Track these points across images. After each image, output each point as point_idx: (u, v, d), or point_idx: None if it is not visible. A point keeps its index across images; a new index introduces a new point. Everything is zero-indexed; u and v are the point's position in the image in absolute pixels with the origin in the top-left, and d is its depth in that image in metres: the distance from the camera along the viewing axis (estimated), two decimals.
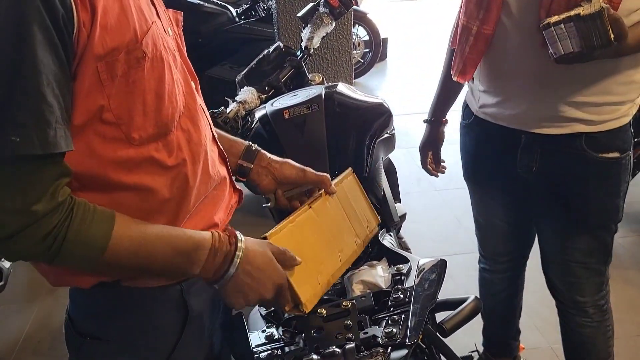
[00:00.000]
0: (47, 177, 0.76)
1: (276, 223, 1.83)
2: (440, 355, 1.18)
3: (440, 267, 1.11)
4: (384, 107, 1.69)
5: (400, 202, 2.00)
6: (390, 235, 1.58)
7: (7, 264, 2.54)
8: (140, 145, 0.85)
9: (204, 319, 1.06)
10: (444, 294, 1.13)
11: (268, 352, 1.01)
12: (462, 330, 2.24)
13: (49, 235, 0.77)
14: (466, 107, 1.71)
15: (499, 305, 2.04)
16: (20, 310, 2.65)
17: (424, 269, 1.12)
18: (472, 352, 2.03)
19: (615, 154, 1.48)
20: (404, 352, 0.91)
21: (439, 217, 3.31)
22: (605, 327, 1.73)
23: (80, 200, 0.81)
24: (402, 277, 1.15)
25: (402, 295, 1.07)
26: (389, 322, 0.99)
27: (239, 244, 0.92)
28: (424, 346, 1.19)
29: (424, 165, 1.94)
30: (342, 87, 1.71)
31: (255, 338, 1.07)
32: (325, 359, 0.92)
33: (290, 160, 1.18)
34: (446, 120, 1.84)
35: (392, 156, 1.96)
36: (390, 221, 1.67)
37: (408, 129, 4.50)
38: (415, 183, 3.70)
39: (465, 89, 1.74)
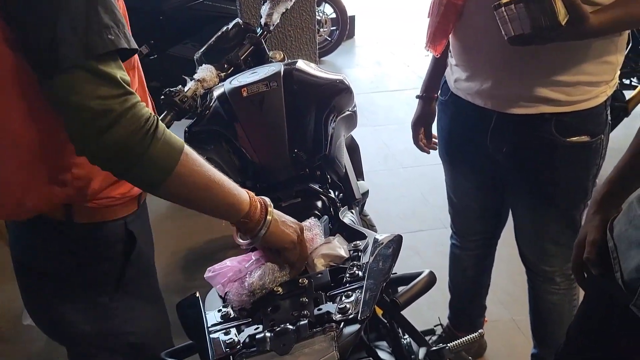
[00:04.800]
0: (123, 70, 0.89)
1: None
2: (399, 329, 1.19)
3: (396, 242, 1.10)
4: (344, 84, 1.67)
5: (363, 180, 1.99)
6: (352, 212, 1.57)
7: None
8: None
9: (147, 253, 1.22)
10: (411, 270, 1.13)
11: (223, 331, 1.00)
12: (426, 305, 2.27)
13: (148, 119, 0.87)
14: (444, 83, 1.71)
15: (467, 282, 2.07)
16: None
17: (380, 244, 1.12)
18: (436, 325, 2.06)
19: (585, 138, 1.46)
20: (356, 327, 0.91)
21: (405, 194, 3.33)
22: (571, 295, 1.77)
23: None
24: (359, 254, 1.15)
25: (357, 271, 1.06)
26: (343, 297, 0.99)
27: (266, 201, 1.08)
28: (385, 321, 1.19)
29: (416, 141, 1.91)
30: (301, 64, 1.69)
31: (211, 317, 1.06)
32: (277, 336, 0.91)
33: None
34: (437, 95, 1.81)
35: (359, 134, 1.94)
36: (352, 198, 1.66)
37: (375, 107, 4.50)
38: (382, 161, 3.72)
39: None
